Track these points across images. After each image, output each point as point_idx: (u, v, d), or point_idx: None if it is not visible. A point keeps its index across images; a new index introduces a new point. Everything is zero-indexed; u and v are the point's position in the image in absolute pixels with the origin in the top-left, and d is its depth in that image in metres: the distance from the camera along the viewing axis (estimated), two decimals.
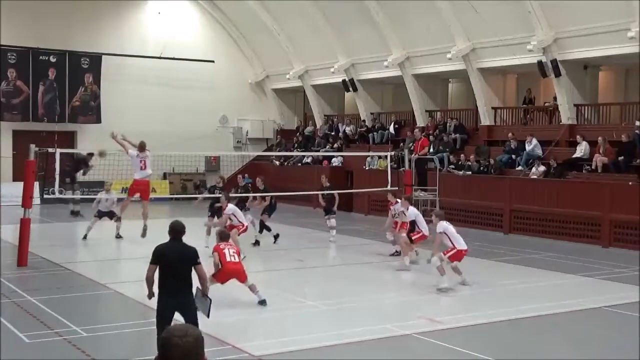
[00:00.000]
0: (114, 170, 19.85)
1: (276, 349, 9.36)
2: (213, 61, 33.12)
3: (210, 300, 8.39)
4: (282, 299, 12.52)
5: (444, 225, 13.61)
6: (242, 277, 11.57)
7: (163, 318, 7.83)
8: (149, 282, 8.10)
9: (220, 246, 11.62)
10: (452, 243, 13.49)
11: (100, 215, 19.31)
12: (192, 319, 7.80)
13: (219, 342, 9.23)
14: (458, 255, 13.51)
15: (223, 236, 11.95)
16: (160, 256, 7.97)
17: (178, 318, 7.91)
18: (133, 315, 11.21)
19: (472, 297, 12.71)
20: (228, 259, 11.41)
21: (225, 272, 11.40)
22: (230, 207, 16.27)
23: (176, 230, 8.12)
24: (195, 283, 8.24)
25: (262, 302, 11.55)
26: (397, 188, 19.34)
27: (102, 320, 11.08)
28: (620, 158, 20.21)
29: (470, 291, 13.17)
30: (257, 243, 18.25)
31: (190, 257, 7.97)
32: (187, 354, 3.05)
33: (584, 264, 16.30)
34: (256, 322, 11.07)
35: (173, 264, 7.87)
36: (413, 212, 16.05)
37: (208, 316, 8.41)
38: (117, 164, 19.28)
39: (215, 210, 18.04)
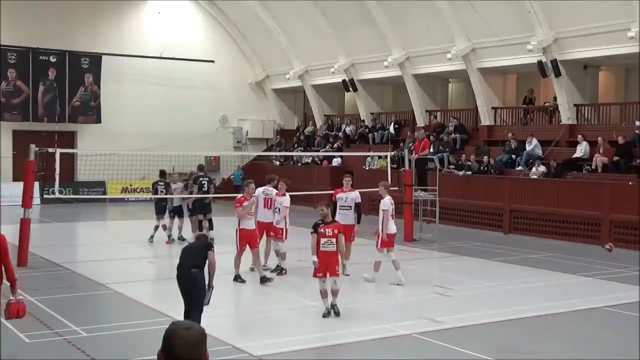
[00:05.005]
0: (113, 170, 19.82)
1: (276, 349, 9.36)
2: (213, 61, 33.13)
3: (212, 288, 9.25)
4: (282, 299, 12.52)
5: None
6: (332, 272, 10.85)
7: (179, 274, 9.31)
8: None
9: (320, 231, 10.85)
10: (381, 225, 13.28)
11: (175, 212, 18.55)
12: (195, 298, 9.07)
13: (219, 342, 9.23)
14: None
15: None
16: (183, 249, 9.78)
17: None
18: (133, 315, 11.20)
19: (472, 297, 12.70)
20: (321, 248, 10.81)
21: (320, 260, 10.83)
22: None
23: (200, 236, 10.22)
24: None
25: (332, 311, 10.92)
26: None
27: (102, 320, 11.08)
28: (616, 158, 20.22)
29: (470, 291, 13.17)
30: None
31: (205, 244, 9.49)
32: (192, 346, 3.08)
33: (584, 264, 16.30)
34: (256, 322, 11.06)
35: (189, 248, 9.72)
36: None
37: (207, 303, 9.21)
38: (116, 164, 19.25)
39: (198, 209, 18.07)
